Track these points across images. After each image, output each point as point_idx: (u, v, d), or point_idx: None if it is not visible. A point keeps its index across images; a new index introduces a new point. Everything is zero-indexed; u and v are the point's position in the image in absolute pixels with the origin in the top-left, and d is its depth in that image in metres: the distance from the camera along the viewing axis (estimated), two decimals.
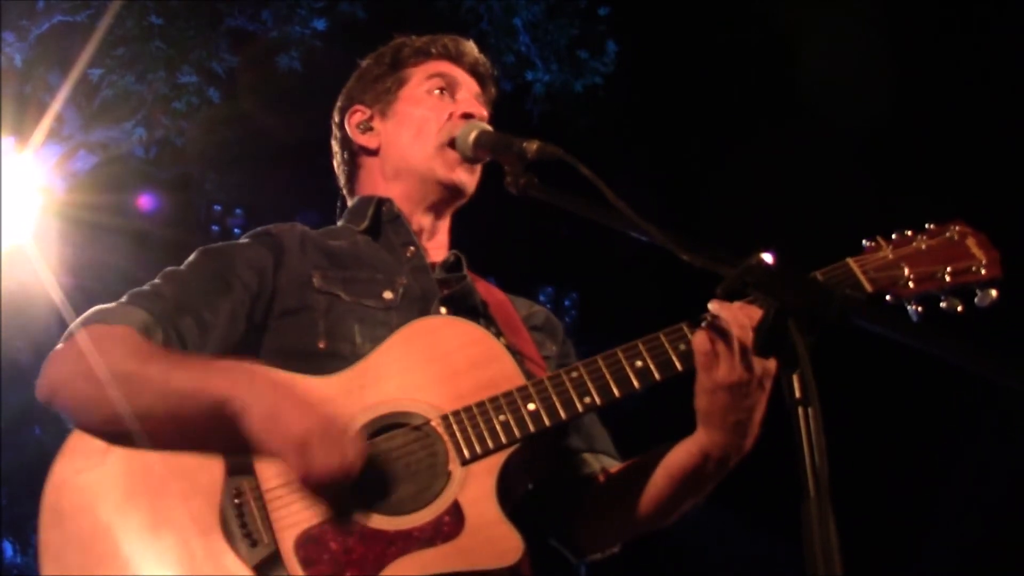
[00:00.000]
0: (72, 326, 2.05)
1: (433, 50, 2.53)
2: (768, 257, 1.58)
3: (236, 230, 8.37)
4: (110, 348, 1.96)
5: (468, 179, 2.40)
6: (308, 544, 1.87)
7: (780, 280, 1.55)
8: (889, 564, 6.90)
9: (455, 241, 2.50)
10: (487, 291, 2.40)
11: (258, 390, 1.87)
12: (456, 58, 2.53)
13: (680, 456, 2.07)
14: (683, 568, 8.11)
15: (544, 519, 2.28)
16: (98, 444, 1.97)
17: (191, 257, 2.25)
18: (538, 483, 2.17)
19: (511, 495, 1.98)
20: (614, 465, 2.30)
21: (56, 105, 6.98)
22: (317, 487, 1.85)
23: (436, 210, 2.45)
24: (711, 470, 2.03)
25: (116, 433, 1.95)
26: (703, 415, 1.98)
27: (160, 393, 1.91)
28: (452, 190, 2.41)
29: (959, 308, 1.98)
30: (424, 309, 2.22)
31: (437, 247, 2.44)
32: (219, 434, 1.89)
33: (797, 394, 1.46)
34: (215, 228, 8.60)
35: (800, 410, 1.45)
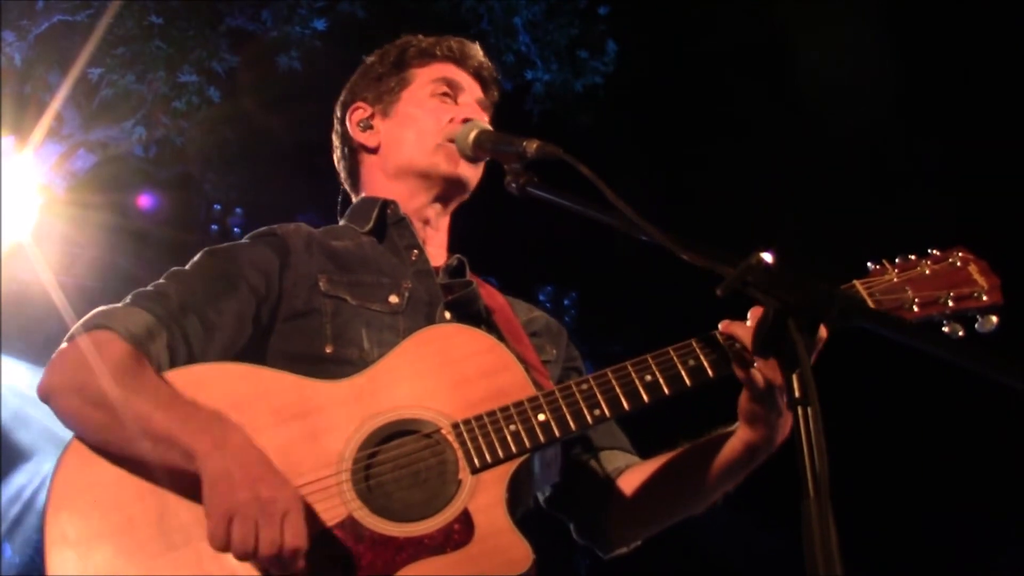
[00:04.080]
0: (75, 328, 2.03)
1: (438, 52, 2.51)
2: (768, 257, 1.58)
3: (236, 230, 8.38)
4: (103, 367, 1.94)
5: (471, 173, 2.40)
6: (318, 549, 1.84)
7: (780, 280, 1.55)
8: (889, 564, 6.90)
9: (455, 240, 2.50)
10: (489, 296, 2.39)
11: (222, 452, 1.84)
12: (461, 61, 2.51)
13: (723, 451, 2.11)
14: (684, 566, 8.10)
15: (570, 517, 2.32)
16: None
17: (196, 257, 2.23)
18: (561, 483, 2.20)
19: (520, 503, 1.99)
20: (634, 461, 2.32)
21: (56, 104, 6.98)
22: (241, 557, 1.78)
23: (438, 208, 2.44)
24: (750, 461, 2.09)
25: (100, 447, 1.95)
26: (748, 415, 2.03)
27: (139, 430, 1.89)
28: (455, 184, 2.40)
29: (960, 333, 2.02)
30: (430, 314, 2.21)
31: (438, 250, 2.44)
32: (188, 479, 1.87)
33: (797, 394, 1.46)
34: (215, 228, 8.61)
35: (800, 410, 1.44)
